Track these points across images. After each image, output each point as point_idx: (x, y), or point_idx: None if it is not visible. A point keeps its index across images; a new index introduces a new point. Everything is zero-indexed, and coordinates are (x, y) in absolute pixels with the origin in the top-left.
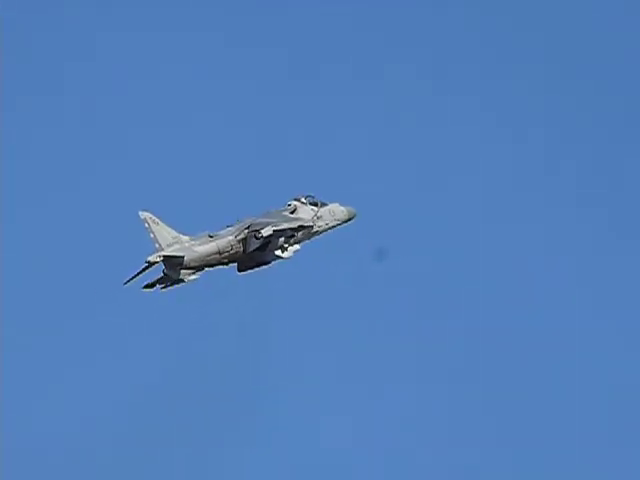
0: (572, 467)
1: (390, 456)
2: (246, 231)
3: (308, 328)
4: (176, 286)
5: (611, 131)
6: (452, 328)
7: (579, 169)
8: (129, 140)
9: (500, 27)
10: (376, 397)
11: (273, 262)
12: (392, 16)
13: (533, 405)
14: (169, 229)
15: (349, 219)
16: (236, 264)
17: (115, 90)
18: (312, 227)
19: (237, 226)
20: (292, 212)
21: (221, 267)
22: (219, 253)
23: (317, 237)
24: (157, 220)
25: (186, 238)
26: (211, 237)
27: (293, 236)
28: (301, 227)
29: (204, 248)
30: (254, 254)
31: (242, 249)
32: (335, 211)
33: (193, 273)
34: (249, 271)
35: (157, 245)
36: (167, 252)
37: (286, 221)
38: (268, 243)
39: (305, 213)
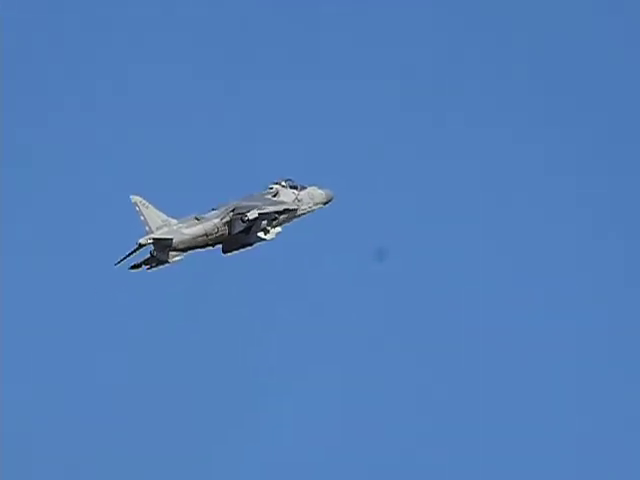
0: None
1: (386, 452)
2: (231, 214)
3: (290, 309)
4: (161, 267)
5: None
6: (443, 322)
7: (579, 171)
8: (125, 131)
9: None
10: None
11: (256, 244)
12: (392, 15)
13: (533, 405)
14: (159, 212)
15: (327, 202)
16: (221, 246)
17: (109, 80)
18: (296, 210)
19: (222, 209)
20: (274, 195)
21: (206, 249)
22: (206, 235)
23: (297, 219)
24: (147, 204)
25: (174, 221)
26: (198, 220)
27: (275, 219)
28: (286, 210)
29: (192, 230)
30: (238, 236)
31: (227, 231)
32: (314, 194)
33: (179, 254)
34: (234, 252)
35: (147, 228)
36: (157, 235)
37: (271, 204)
38: (252, 226)
39: (286, 196)
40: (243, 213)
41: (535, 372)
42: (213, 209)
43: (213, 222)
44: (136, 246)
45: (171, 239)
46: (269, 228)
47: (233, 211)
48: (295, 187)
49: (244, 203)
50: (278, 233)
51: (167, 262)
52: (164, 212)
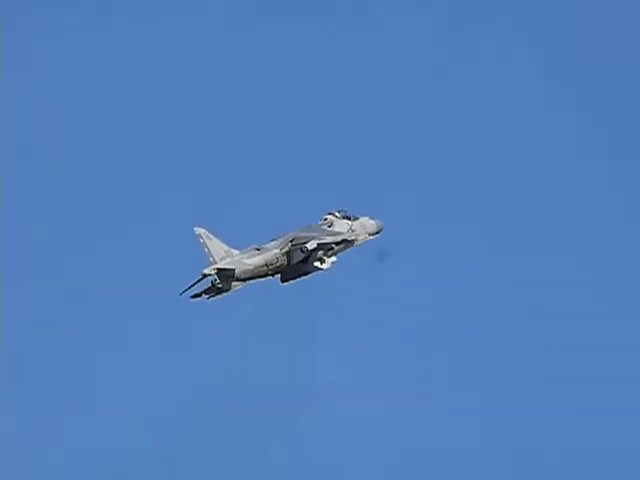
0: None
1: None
2: (290, 244)
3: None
4: (219, 296)
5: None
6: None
7: (579, 171)
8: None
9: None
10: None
11: (312, 273)
12: (392, 15)
13: (533, 406)
14: (221, 243)
15: (378, 232)
16: (279, 275)
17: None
18: (354, 241)
19: (281, 240)
20: (329, 226)
21: (266, 278)
22: (266, 265)
23: (351, 249)
24: (211, 235)
25: (236, 252)
26: (258, 250)
27: (332, 249)
28: (344, 241)
29: (253, 261)
30: (297, 266)
31: (286, 261)
32: (366, 224)
33: (240, 284)
34: (291, 281)
35: (211, 259)
36: (221, 265)
37: (328, 235)
38: (309, 256)
39: (341, 227)
40: (302, 243)
41: (535, 372)
42: (272, 240)
43: (273, 252)
44: (200, 276)
45: (234, 269)
46: (325, 258)
47: (292, 242)
48: (348, 217)
49: (302, 234)
50: (333, 262)
51: (227, 291)
52: (225, 243)
